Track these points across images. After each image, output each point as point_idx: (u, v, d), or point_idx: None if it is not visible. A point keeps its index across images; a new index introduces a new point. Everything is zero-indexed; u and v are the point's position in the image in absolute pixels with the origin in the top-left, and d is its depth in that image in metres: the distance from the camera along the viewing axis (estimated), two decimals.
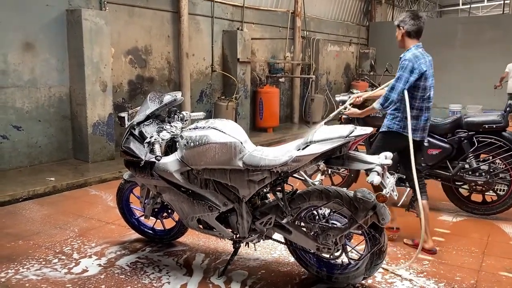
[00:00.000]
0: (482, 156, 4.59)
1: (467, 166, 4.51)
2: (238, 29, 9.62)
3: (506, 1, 15.01)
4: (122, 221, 4.08)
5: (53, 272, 3.38)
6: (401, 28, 3.63)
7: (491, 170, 4.44)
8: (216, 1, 9.16)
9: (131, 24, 7.61)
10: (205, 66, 9.22)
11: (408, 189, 4.73)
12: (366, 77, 7.40)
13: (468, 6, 18.56)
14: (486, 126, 4.44)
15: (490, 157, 4.50)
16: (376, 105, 3.62)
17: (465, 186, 4.67)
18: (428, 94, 3.63)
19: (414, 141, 3.53)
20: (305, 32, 11.88)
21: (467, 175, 4.52)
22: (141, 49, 7.85)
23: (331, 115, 4.61)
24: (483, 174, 4.46)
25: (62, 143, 6.83)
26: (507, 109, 4.49)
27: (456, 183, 4.67)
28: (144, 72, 7.95)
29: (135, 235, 4.04)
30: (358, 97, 4.28)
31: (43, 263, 3.53)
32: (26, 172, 6.15)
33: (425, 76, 3.55)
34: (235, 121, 9.04)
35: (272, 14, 11.03)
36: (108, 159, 6.93)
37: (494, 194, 4.64)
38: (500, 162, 4.51)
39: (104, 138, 6.88)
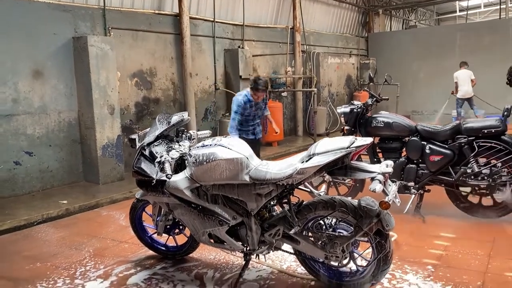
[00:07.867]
0: (483, 160, 4.69)
1: (469, 170, 4.61)
2: (239, 47, 9.84)
3: (502, 6, 15.18)
4: (135, 240, 4.19)
5: None
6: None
7: (493, 173, 4.53)
8: (216, 22, 9.40)
9: (135, 47, 7.83)
10: (209, 85, 9.42)
11: (413, 196, 4.84)
12: (366, 88, 7.53)
13: (465, 12, 18.77)
14: (485, 131, 4.55)
15: (491, 161, 4.59)
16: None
17: (468, 190, 4.76)
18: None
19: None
20: (305, 46, 12.10)
21: (469, 180, 4.61)
22: (146, 72, 8.06)
23: None
24: (485, 178, 4.56)
25: (72, 167, 7.00)
26: (505, 113, 4.60)
27: (459, 187, 4.76)
28: (150, 94, 8.15)
29: (148, 252, 4.16)
30: None
31: (64, 283, 3.65)
32: (39, 196, 6.31)
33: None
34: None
35: (271, 30, 11.27)
36: (118, 180, 7.07)
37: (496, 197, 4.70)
38: (501, 165, 4.59)
39: (113, 159, 7.04)
